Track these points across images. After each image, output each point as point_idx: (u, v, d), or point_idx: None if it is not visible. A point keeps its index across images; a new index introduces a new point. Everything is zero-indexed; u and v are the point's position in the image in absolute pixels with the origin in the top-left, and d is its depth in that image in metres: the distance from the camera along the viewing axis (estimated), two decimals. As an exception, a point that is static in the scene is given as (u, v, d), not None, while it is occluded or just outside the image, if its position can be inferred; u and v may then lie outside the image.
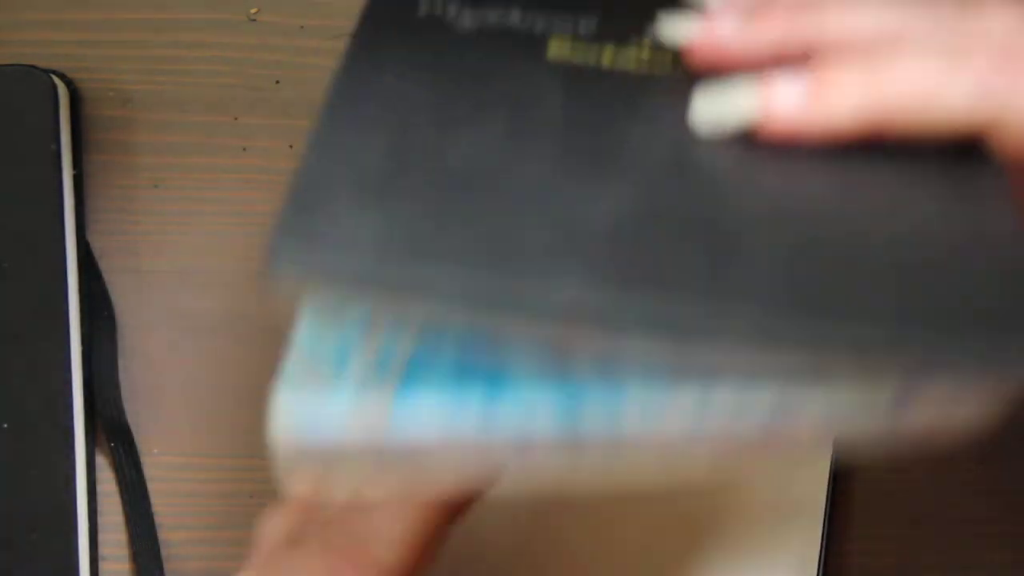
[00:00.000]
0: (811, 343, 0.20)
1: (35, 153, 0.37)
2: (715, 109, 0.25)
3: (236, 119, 0.39)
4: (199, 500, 0.39)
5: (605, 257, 0.21)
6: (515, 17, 0.29)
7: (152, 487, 0.39)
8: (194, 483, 0.39)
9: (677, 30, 0.26)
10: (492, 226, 0.21)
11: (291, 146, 0.39)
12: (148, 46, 0.38)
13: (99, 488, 0.39)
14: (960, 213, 0.24)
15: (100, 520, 0.39)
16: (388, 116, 0.25)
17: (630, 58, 0.28)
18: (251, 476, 0.39)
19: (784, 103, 0.25)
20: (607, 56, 0.28)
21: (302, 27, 0.39)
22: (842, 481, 0.38)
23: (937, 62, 0.25)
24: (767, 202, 0.23)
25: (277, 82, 0.39)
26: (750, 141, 0.25)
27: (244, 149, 0.39)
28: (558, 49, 0.28)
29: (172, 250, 0.39)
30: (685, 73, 0.27)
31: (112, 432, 0.38)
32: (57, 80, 0.37)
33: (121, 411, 0.38)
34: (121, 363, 0.39)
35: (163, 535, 0.39)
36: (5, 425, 0.37)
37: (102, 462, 0.39)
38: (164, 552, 0.39)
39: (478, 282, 0.20)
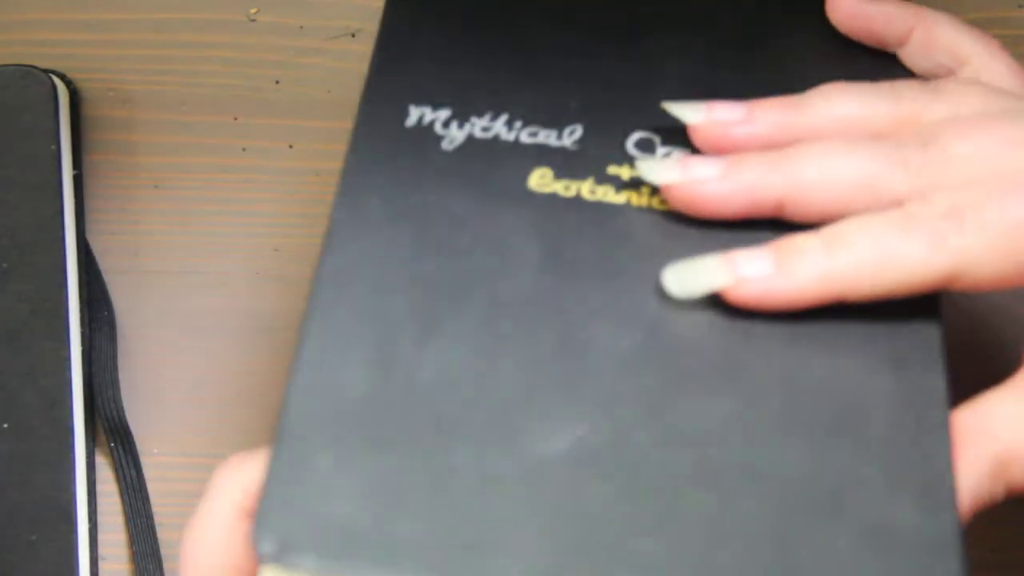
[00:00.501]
0: None
1: (35, 153, 0.37)
2: (684, 279, 0.27)
3: (236, 119, 0.39)
4: (199, 500, 0.39)
5: (550, 540, 0.24)
6: (500, 128, 0.30)
7: (152, 487, 0.39)
8: (194, 483, 0.39)
9: (655, 174, 0.28)
10: (452, 504, 0.24)
11: (291, 146, 0.39)
12: (148, 46, 0.38)
13: (99, 488, 0.39)
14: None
15: (100, 520, 0.39)
16: (368, 317, 0.27)
17: (610, 191, 0.29)
18: (251, 476, 0.39)
19: (748, 271, 0.26)
20: (587, 188, 0.29)
21: (302, 27, 0.39)
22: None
23: (889, 226, 0.26)
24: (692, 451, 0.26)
25: (277, 82, 0.39)
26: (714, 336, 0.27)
27: (244, 149, 0.39)
28: (540, 180, 0.29)
29: (172, 250, 0.39)
30: (662, 203, 0.28)
31: (112, 432, 0.38)
32: (57, 80, 0.37)
33: (121, 411, 0.38)
34: (121, 363, 0.39)
35: (163, 535, 0.39)
36: (5, 425, 0.37)
37: (102, 462, 0.39)
38: (164, 552, 0.39)
39: (439, 563, 0.23)
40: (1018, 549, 0.40)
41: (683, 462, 0.25)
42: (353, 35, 0.39)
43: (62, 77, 0.38)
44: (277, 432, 0.26)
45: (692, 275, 0.27)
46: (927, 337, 0.28)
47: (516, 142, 0.30)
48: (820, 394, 0.26)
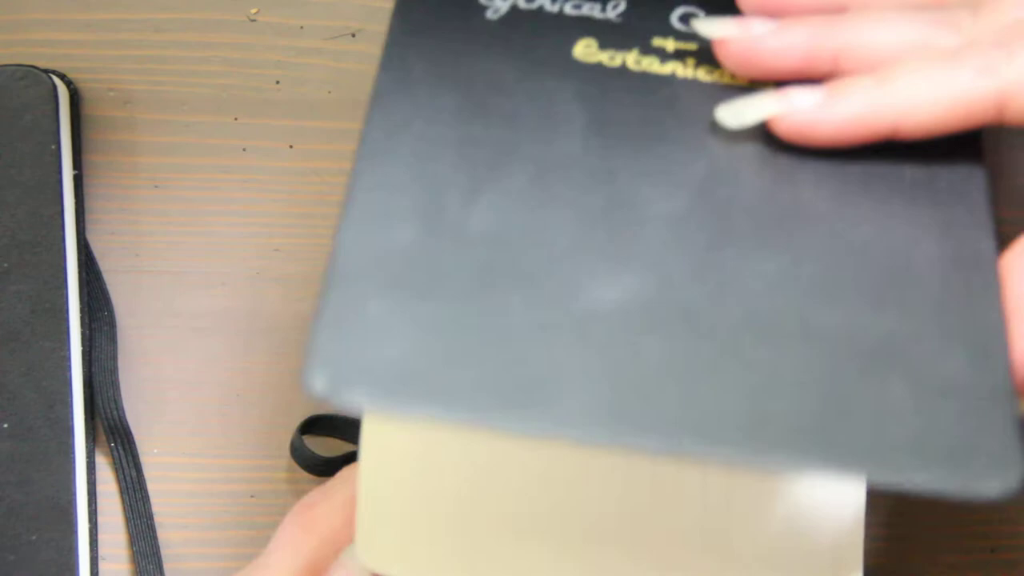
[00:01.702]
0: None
1: (35, 153, 0.37)
2: (738, 109, 0.28)
3: (236, 119, 0.39)
4: (199, 500, 0.39)
5: (606, 382, 0.24)
6: (544, 0, 0.30)
7: (152, 487, 0.39)
8: (194, 483, 0.39)
9: (712, 28, 0.28)
10: (504, 348, 0.24)
11: (291, 146, 0.39)
12: (148, 46, 0.38)
13: (99, 488, 0.39)
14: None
15: (100, 520, 0.39)
16: (416, 172, 0.27)
17: (655, 62, 0.29)
18: (251, 476, 0.39)
19: (801, 102, 0.27)
20: (632, 59, 0.29)
21: (302, 27, 0.39)
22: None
23: (943, 57, 0.27)
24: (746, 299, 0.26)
25: (277, 82, 0.39)
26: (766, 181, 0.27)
27: (244, 149, 0.39)
28: (584, 50, 0.29)
29: (172, 250, 0.39)
30: (708, 75, 0.29)
31: (112, 432, 0.38)
32: (57, 80, 0.37)
33: (121, 411, 0.38)
34: (121, 363, 0.39)
35: (163, 535, 0.39)
36: (5, 425, 0.37)
37: (102, 462, 0.39)
38: (164, 552, 0.39)
39: (494, 399, 0.23)
40: (1018, 549, 0.40)
41: (733, 315, 0.25)
42: (353, 35, 0.39)
43: (62, 77, 0.38)
44: (327, 278, 0.25)
45: (745, 105, 0.27)
46: (974, 197, 0.29)
47: (560, 13, 0.30)
48: (870, 251, 0.26)
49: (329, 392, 0.23)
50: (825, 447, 0.24)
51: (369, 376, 0.24)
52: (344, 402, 0.23)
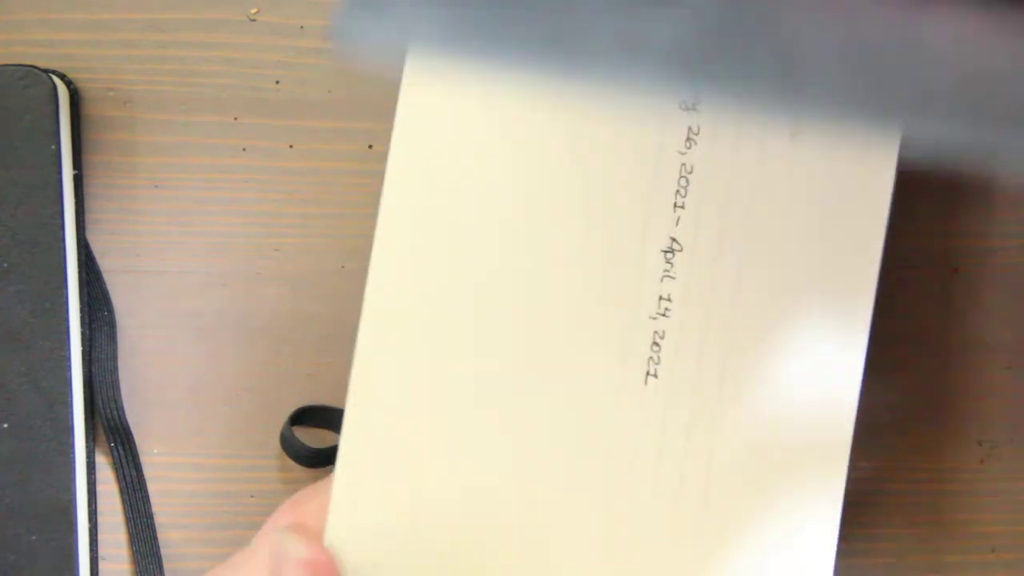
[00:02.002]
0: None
1: (35, 153, 0.37)
2: None
3: (236, 119, 0.39)
4: (199, 500, 0.39)
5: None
6: None
7: (152, 487, 0.39)
8: (194, 483, 0.39)
9: None
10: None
11: (291, 146, 0.39)
12: (148, 46, 0.38)
13: (99, 488, 0.39)
14: None
15: (100, 520, 0.39)
16: None
17: None
18: (251, 476, 0.39)
19: None
20: None
21: (302, 27, 0.39)
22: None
23: None
24: None
25: (277, 82, 0.39)
26: None
27: (244, 149, 0.39)
28: None
29: (172, 250, 0.39)
30: None
31: (112, 432, 0.38)
32: (57, 80, 0.37)
33: (121, 411, 0.38)
34: (121, 363, 0.39)
35: (163, 535, 0.39)
36: (5, 425, 0.37)
37: (102, 462, 0.39)
38: (164, 552, 0.39)
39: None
40: (1018, 549, 0.40)
41: None
42: (353, 35, 0.39)
43: (62, 77, 0.38)
44: None
45: None
46: None
47: None
48: None
49: (363, 28, 0.21)
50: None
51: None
52: (379, 40, 0.21)
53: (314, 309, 0.39)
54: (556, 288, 0.35)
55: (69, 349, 0.37)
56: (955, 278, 0.39)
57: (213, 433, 0.39)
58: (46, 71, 0.37)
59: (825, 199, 0.35)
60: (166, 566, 0.39)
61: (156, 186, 0.39)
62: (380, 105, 0.39)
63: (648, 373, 0.36)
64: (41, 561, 0.37)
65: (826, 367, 0.35)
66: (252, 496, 0.39)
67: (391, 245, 0.35)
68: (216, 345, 0.39)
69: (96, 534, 0.38)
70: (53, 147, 0.37)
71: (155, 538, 0.39)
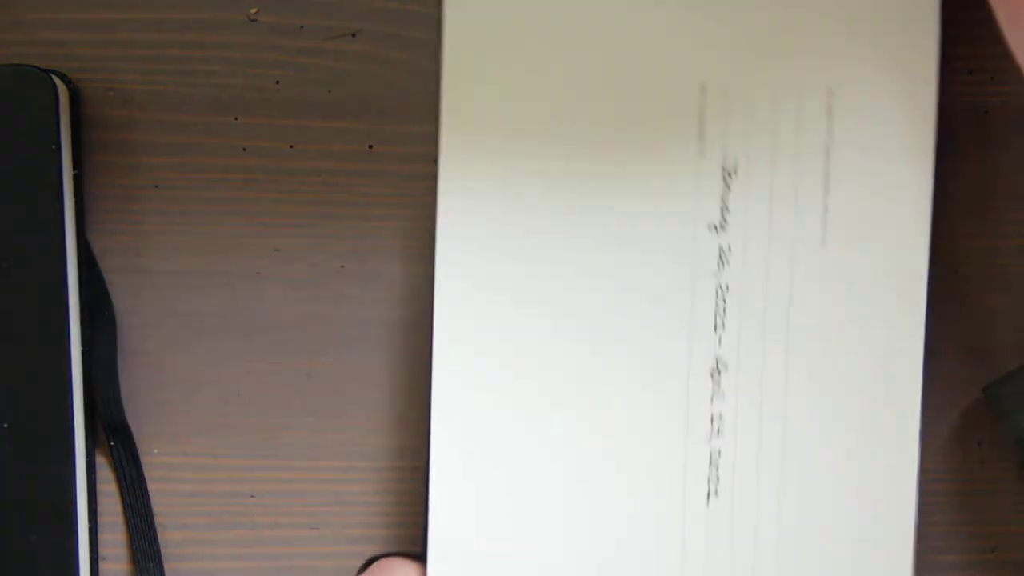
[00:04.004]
0: None
1: (35, 153, 0.37)
2: None
3: (236, 119, 0.39)
4: (199, 500, 0.39)
5: None
6: None
7: (152, 487, 0.39)
8: (194, 483, 0.39)
9: None
10: None
11: (291, 146, 0.39)
12: (148, 46, 0.38)
13: (99, 488, 0.39)
14: None
15: (100, 520, 0.39)
16: None
17: None
18: (251, 476, 0.39)
19: None
20: None
21: (302, 27, 0.39)
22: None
23: None
24: None
25: (277, 82, 0.39)
26: None
27: (244, 149, 0.39)
28: None
29: (172, 250, 0.39)
30: None
31: (112, 431, 0.38)
32: (57, 80, 0.37)
33: (121, 410, 0.38)
34: (121, 363, 0.39)
35: (163, 535, 0.39)
36: (5, 425, 0.37)
37: (102, 462, 0.39)
38: (164, 552, 0.39)
39: None
40: (1018, 549, 0.40)
41: None
42: (353, 35, 0.39)
43: (62, 77, 0.38)
44: None
45: None
46: None
47: None
48: None
49: None
50: None
51: None
52: None
53: (314, 309, 0.39)
54: (609, 419, 0.37)
55: (69, 349, 0.37)
56: (955, 278, 0.39)
57: (213, 433, 0.39)
58: (46, 71, 0.37)
59: (861, 298, 0.36)
60: (166, 566, 0.39)
61: (156, 186, 0.39)
62: (380, 105, 0.39)
63: (709, 493, 0.37)
64: (41, 561, 0.37)
65: (880, 463, 0.36)
66: (252, 496, 0.39)
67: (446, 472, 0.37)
68: (216, 345, 0.39)
69: (96, 534, 0.38)
70: (53, 147, 0.37)
71: (155, 538, 0.39)
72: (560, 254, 0.37)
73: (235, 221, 0.39)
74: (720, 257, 0.36)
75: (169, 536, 0.39)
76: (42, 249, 0.37)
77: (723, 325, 0.36)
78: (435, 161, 0.39)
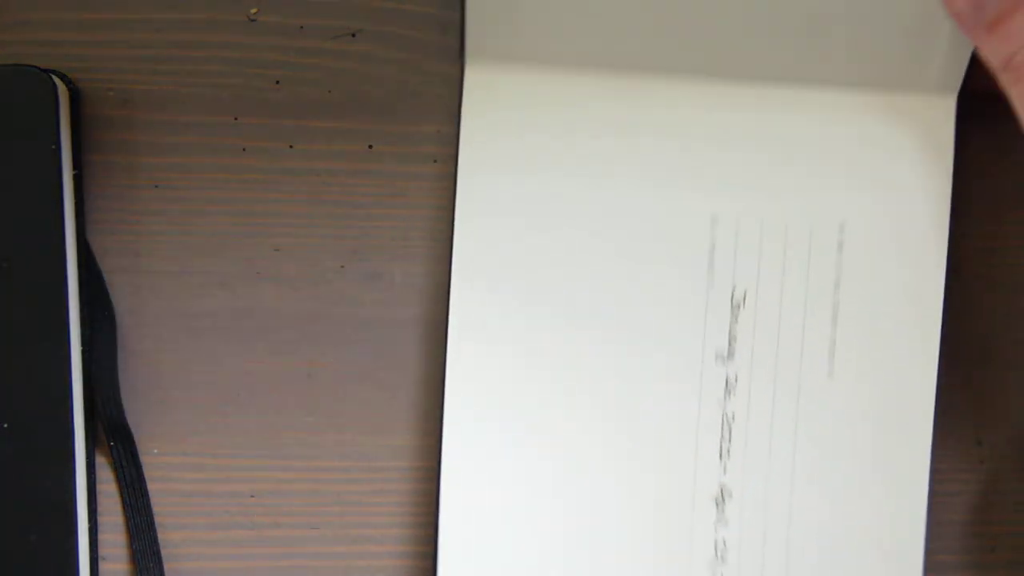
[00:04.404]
0: None
1: (35, 153, 0.37)
2: None
3: (236, 119, 0.39)
4: (199, 500, 0.39)
5: None
6: None
7: (152, 487, 0.39)
8: (194, 483, 0.39)
9: None
10: None
11: (291, 146, 0.39)
12: (148, 46, 0.38)
13: (99, 488, 0.39)
14: None
15: (100, 520, 0.39)
16: None
17: None
18: (251, 476, 0.39)
19: None
20: None
21: (302, 27, 0.39)
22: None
23: None
24: None
25: (277, 82, 0.39)
26: None
27: (244, 149, 0.39)
28: None
29: (172, 250, 0.39)
30: None
31: (112, 432, 0.38)
32: (57, 80, 0.37)
33: (121, 410, 0.38)
34: (121, 363, 0.39)
35: (163, 535, 0.39)
36: (5, 425, 0.37)
37: (102, 462, 0.39)
38: (164, 552, 0.39)
39: None
40: (1018, 549, 0.40)
41: None
42: (353, 35, 0.39)
43: (62, 77, 0.38)
44: None
45: None
46: None
47: None
48: None
49: None
50: None
51: None
52: None
53: (314, 309, 0.39)
54: (612, 541, 0.37)
55: (69, 349, 0.37)
56: (955, 278, 0.39)
57: (213, 433, 0.39)
58: (46, 71, 0.37)
59: (866, 430, 0.37)
60: (166, 566, 0.39)
61: (156, 186, 0.39)
62: (380, 105, 0.39)
63: None
64: (41, 561, 0.37)
65: None
66: (252, 496, 0.39)
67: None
68: (216, 345, 0.39)
69: (96, 534, 0.38)
70: (53, 147, 0.37)
71: (155, 538, 0.39)
72: (567, 385, 0.37)
73: (235, 221, 0.39)
74: (727, 386, 0.37)
75: (169, 536, 0.39)
76: (42, 249, 0.37)
77: (728, 453, 0.37)
78: (435, 161, 0.39)
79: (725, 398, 0.37)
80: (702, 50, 0.35)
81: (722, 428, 0.36)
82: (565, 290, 0.36)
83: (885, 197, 0.36)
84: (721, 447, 0.36)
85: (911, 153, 0.36)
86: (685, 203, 0.36)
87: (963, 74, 0.35)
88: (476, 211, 0.36)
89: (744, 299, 0.36)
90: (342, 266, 0.39)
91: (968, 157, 0.38)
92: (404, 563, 0.39)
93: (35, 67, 0.37)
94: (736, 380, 0.36)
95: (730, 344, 0.36)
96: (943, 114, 0.36)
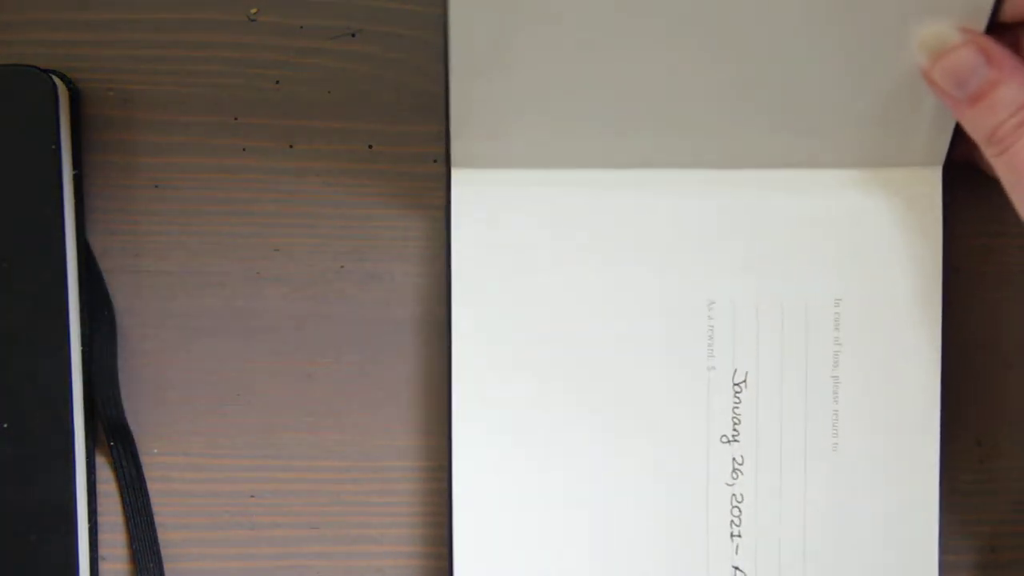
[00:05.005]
0: None
1: (35, 153, 0.37)
2: None
3: (236, 119, 0.39)
4: (199, 500, 0.39)
5: None
6: None
7: (152, 487, 0.39)
8: (194, 483, 0.39)
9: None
10: None
11: (291, 146, 0.39)
12: (148, 46, 0.38)
13: (99, 488, 0.39)
14: None
15: (100, 520, 0.39)
16: None
17: None
18: (251, 476, 0.39)
19: None
20: None
21: (302, 27, 0.39)
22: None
23: None
24: None
25: (277, 82, 0.39)
26: None
27: (244, 149, 0.39)
28: None
29: (172, 250, 0.39)
30: None
31: (112, 432, 0.38)
32: (57, 80, 0.37)
33: (121, 411, 0.38)
34: (121, 363, 0.39)
35: (163, 535, 0.39)
36: (5, 425, 0.37)
37: (102, 462, 0.39)
38: (164, 552, 0.39)
39: None
40: (1018, 549, 0.40)
41: None
42: (353, 35, 0.39)
43: (62, 77, 0.38)
44: None
45: None
46: None
47: None
48: None
49: None
50: None
51: None
52: None
53: (314, 309, 0.39)
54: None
55: (69, 349, 0.37)
56: (955, 278, 0.39)
57: (213, 433, 0.39)
58: (46, 71, 0.37)
59: (874, 499, 0.37)
60: (166, 566, 0.39)
61: (156, 186, 0.39)
62: (380, 105, 0.39)
63: None
64: (41, 561, 0.37)
65: None
66: (252, 496, 0.39)
67: None
68: (216, 345, 0.39)
69: (96, 534, 0.38)
70: (53, 147, 0.37)
71: (155, 538, 0.39)
72: (574, 475, 0.37)
73: (235, 221, 0.39)
74: (734, 468, 0.37)
75: (169, 536, 0.39)
76: (42, 249, 0.37)
77: (739, 535, 0.37)
78: (435, 161, 0.39)
79: (733, 480, 0.37)
80: (693, 140, 0.36)
81: (731, 508, 0.37)
82: (566, 380, 0.37)
83: (877, 270, 0.37)
84: (731, 528, 0.37)
85: (901, 225, 0.37)
86: (682, 288, 0.37)
87: (947, 146, 0.36)
88: (472, 301, 0.37)
89: (746, 380, 0.37)
90: (342, 266, 0.39)
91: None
92: (404, 563, 0.39)
93: (35, 67, 0.37)
94: (742, 461, 0.37)
95: (734, 426, 0.37)
96: (930, 186, 0.37)
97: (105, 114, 0.39)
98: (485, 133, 0.35)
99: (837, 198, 0.37)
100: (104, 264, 0.39)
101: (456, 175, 0.37)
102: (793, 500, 0.37)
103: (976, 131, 0.33)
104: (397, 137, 0.39)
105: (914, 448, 0.37)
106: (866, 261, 0.37)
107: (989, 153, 0.33)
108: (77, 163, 0.38)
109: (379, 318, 0.39)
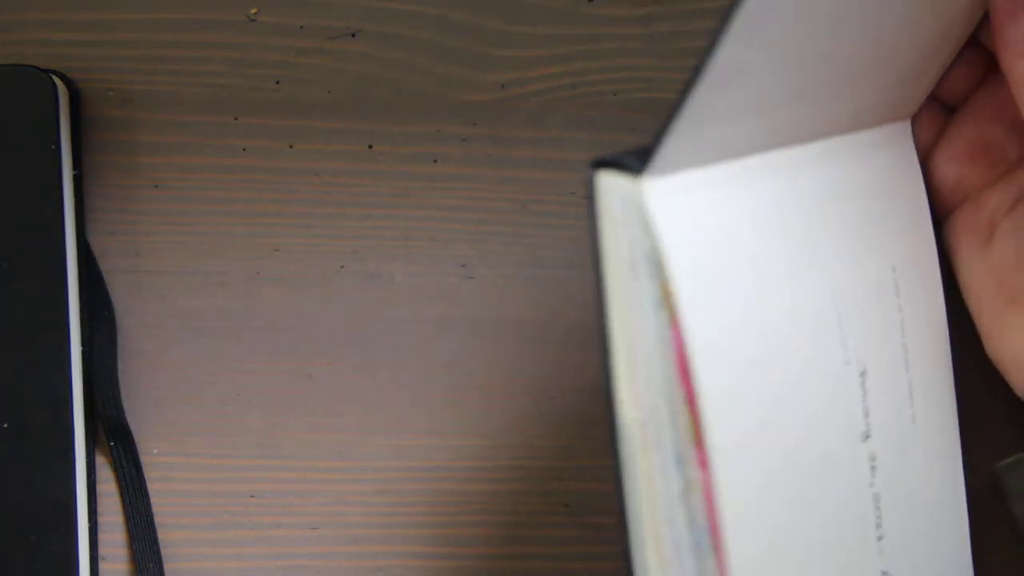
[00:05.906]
0: None
1: (35, 153, 0.37)
2: None
3: (236, 119, 0.39)
4: (199, 500, 0.39)
5: None
6: None
7: (152, 487, 0.39)
8: (194, 483, 0.39)
9: None
10: None
11: (291, 146, 0.39)
12: (148, 46, 0.38)
13: (99, 488, 0.39)
14: None
15: (100, 520, 0.39)
16: None
17: None
18: (251, 476, 0.39)
19: None
20: None
21: (302, 27, 0.39)
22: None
23: None
24: None
25: (277, 82, 0.39)
26: None
27: (244, 149, 0.39)
28: None
29: (172, 250, 0.39)
30: None
31: (112, 432, 0.38)
32: (57, 80, 0.37)
33: (121, 411, 0.38)
34: (121, 363, 0.39)
35: (163, 535, 0.39)
36: (5, 425, 0.37)
37: (102, 462, 0.39)
38: (164, 552, 0.39)
39: None
40: (1018, 549, 0.40)
41: None
42: (353, 35, 0.39)
43: (62, 77, 0.38)
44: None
45: None
46: None
47: None
48: None
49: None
50: None
51: None
52: None
53: (314, 309, 0.39)
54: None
55: (69, 349, 0.37)
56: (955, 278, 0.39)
57: (213, 433, 0.39)
58: (46, 71, 0.37)
59: (955, 475, 0.37)
60: (166, 566, 0.39)
61: (156, 186, 0.39)
62: (380, 105, 0.39)
63: None
64: (41, 561, 0.37)
65: None
66: (252, 496, 0.39)
67: None
68: (216, 345, 0.39)
69: (96, 534, 0.38)
70: (53, 147, 0.37)
71: (155, 538, 0.39)
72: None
73: (235, 221, 0.39)
74: (872, 466, 0.35)
75: (169, 536, 0.39)
76: (42, 249, 0.37)
77: (882, 537, 0.35)
78: (435, 161, 0.39)
79: (872, 479, 0.34)
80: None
81: (875, 510, 0.34)
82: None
83: (910, 229, 0.36)
84: (877, 531, 0.34)
85: (887, 181, 0.36)
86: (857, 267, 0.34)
87: (920, 101, 0.36)
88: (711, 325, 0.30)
89: (866, 371, 0.34)
90: (342, 266, 0.39)
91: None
92: (404, 563, 0.39)
93: (35, 67, 0.37)
94: (875, 458, 0.34)
95: (866, 421, 0.34)
96: (907, 138, 0.36)
97: (105, 114, 0.39)
98: (710, 137, 0.29)
99: (864, 162, 0.34)
100: (104, 264, 0.39)
101: (649, 186, 0.28)
102: (921, 487, 0.35)
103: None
104: (397, 137, 0.39)
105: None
106: (900, 222, 0.35)
107: None
108: (77, 163, 0.38)
109: (379, 318, 0.39)
